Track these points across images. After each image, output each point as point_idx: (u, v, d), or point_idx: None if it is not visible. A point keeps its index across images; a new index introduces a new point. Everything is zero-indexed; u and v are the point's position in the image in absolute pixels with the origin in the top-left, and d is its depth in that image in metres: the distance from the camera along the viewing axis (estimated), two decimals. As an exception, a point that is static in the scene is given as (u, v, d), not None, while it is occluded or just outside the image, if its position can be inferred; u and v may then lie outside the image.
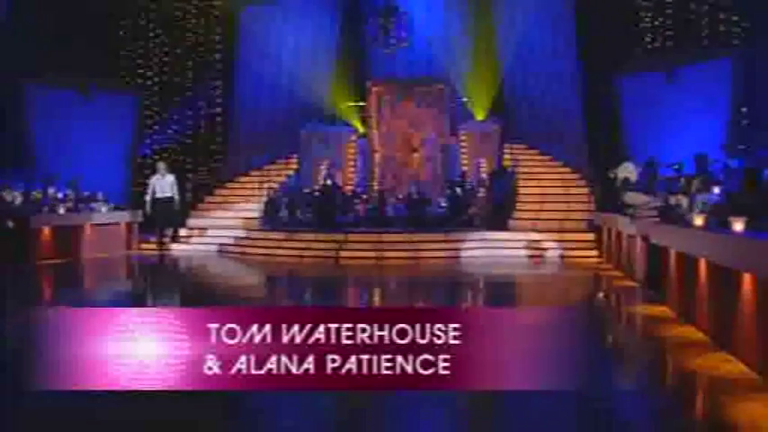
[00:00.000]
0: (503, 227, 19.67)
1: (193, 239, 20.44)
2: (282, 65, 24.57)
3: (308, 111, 24.34)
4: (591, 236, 18.64)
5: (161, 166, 19.31)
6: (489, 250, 18.48)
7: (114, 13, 23.83)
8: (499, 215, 20.25)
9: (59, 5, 21.63)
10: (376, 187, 22.35)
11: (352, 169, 24.06)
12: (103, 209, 19.23)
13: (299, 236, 19.16)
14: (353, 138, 24.18)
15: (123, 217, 19.71)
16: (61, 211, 18.17)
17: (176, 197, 19.07)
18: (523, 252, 18.46)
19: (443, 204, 20.85)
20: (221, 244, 19.87)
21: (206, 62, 25.05)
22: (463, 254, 18.28)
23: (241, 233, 20.17)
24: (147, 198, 18.95)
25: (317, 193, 21.80)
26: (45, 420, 6.28)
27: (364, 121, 24.35)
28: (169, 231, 19.54)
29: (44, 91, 21.33)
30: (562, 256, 18.23)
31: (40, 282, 15.54)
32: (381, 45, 23.08)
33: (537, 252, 18.41)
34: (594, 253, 18.09)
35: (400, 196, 21.76)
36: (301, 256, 18.36)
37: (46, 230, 17.62)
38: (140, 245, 20.18)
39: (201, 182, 23.79)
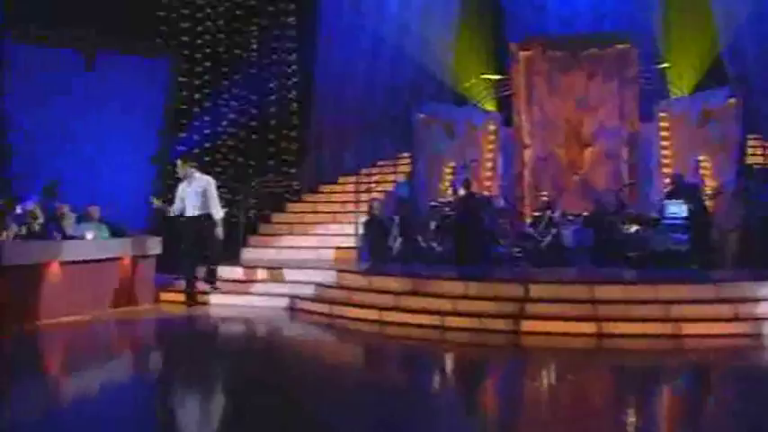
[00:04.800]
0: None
1: (250, 286, 10.49)
2: (384, 26, 14.65)
3: (422, 89, 14.40)
4: None
5: (184, 166, 9.62)
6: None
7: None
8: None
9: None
10: (545, 198, 12.11)
11: (490, 173, 13.95)
12: (89, 234, 9.45)
13: (436, 286, 9.07)
14: (491, 126, 14.10)
15: (125, 248, 9.84)
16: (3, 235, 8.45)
17: (218, 215, 9.27)
18: None
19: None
20: (294, 296, 9.89)
21: (277, 26, 15.24)
22: (766, 327, 7.95)
23: (328, 276, 10.14)
24: (170, 212, 9.35)
25: (447, 210, 11.76)
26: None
27: (506, 103, 14.28)
28: (200, 272, 9.79)
29: (29, 51, 11.78)
30: None
31: None
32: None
33: None
34: None
35: (585, 214, 11.56)
36: (443, 327, 8.30)
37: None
38: (159, 295, 10.36)
39: (268, 193, 13.94)
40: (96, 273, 9.27)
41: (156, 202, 9.69)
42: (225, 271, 10.43)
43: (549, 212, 11.40)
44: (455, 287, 8.89)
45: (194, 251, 9.62)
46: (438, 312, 8.46)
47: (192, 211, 9.47)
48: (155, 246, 10.21)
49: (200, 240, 9.55)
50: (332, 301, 9.35)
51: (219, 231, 9.65)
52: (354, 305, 9.08)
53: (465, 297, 8.65)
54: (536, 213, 11.62)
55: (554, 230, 11.07)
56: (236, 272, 10.72)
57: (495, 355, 7.61)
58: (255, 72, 14.91)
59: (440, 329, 8.27)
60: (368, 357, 7.92)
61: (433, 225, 11.76)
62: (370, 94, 14.53)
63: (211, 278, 9.79)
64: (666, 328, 7.79)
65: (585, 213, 11.50)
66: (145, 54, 12.82)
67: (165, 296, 10.30)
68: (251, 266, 10.93)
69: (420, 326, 8.37)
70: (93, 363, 7.03)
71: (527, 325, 8.03)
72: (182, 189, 9.68)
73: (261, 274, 10.65)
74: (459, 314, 8.39)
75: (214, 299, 10.02)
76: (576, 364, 7.15)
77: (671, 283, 8.43)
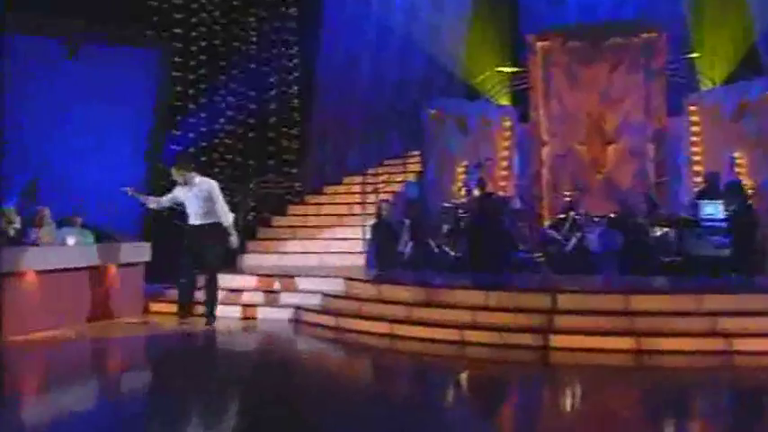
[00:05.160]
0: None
1: (249, 296, 9.75)
2: (391, 15, 13.95)
3: (432, 83, 13.70)
4: None
5: (179, 172, 8.83)
6: None
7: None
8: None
9: None
10: (568, 198, 11.36)
11: (506, 172, 13.24)
12: (70, 240, 8.74)
13: (452, 296, 8.35)
14: (507, 122, 13.37)
15: (111, 255, 9.10)
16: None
17: (227, 221, 8.51)
18: None
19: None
20: (297, 307, 9.18)
21: (277, 17, 14.51)
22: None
23: (333, 285, 9.41)
24: (150, 204, 8.63)
25: (461, 212, 11.05)
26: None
27: (522, 97, 13.56)
28: (195, 284, 9.02)
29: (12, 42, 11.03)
30: None
31: None
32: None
33: None
34: None
35: (612, 215, 10.83)
36: (462, 342, 7.57)
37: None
38: (148, 306, 9.65)
39: (268, 194, 13.23)
40: (78, 282, 8.57)
41: (130, 191, 8.91)
42: (224, 279, 9.65)
43: (572, 214, 10.67)
44: (474, 297, 8.16)
45: (195, 261, 8.79)
46: (455, 326, 7.74)
47: (195, 218, 8.65)
48: (143, 252, 9.50)
49: (201, 252, 8.72)
50: (339, 313, 8.63)
51: (234, 240, 8.81)
52: (363, 317, 8.36)
53: (485, 308, 7.92)
54: (560, 215, 10.86)
55: (579, 233, 10.34)
56: (235, 280, 9.99)
57: (522, 373, 6.89)
58: (254, 66, 14.11)
59: (458, 344, 7.55)
60: (378, 376, 7.19)
61: (445, 228, 11.04)
62: (377, 89, 13.83)
63: (212, 300, 8.90)
64: (714, 344, 7.05)
65: (612, 215, 10.76)
66: (135, 46, 12.07)
67: (155, 307, 9.59)
68: (250, 274, 10.23)
69: (434, 340, 7.65)
70: (73, 383, 6.30)
71: (556, 340, 7.30)
72: (180, 193, 8.84)
73: (262, 282, 9.94)
74: (480, 328, 7.68)
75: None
76: (612, 383, 6.42)
77: (717, 293, 7.68)
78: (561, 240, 10.43)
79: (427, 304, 8.27)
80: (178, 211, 10.64)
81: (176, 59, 13.26)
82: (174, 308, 9.29)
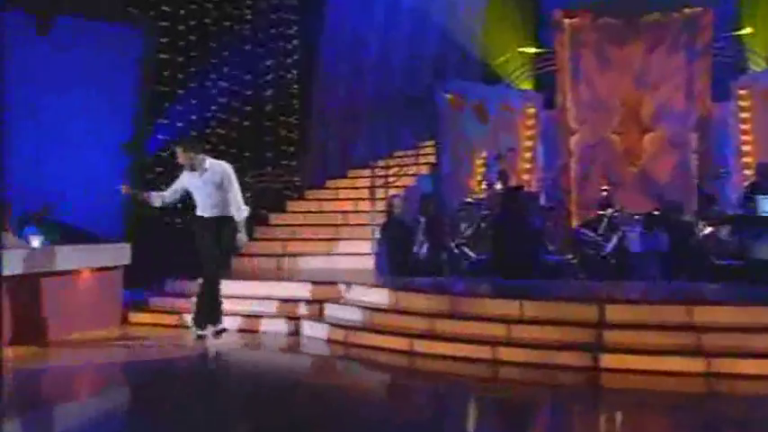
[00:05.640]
0: None
1: (249, 305, 8.70)
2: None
3: (446, 65, 12.75)
4: None
5: (186, 153, 7.74)
6: None
7: None
8: None
9: None
10: (605, 193, 10.29)
11: (530, 164, 12.24)
12: (35, 241, 7.73)
13: (480, 306, 7.35)
14: (530, 109, 12.37)
15: (83, 258, 8.06)
16: None
17: (242, 214, 7.47)
18: None
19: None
20: (298, 318, 8.19)
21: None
22: None
23: (341, 292, 8.42)
24: (154, 201, 7.56)
25: (483, 209, 10.05)
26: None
27: (547, 81, 12.57)
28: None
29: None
30: None
31: None
32: None
33: None
34: None
35: (656, 212, 9.79)
36: (494, 360, 6.58)
37: None
38: (127, 316, 8.65)
39: (265, 189, 12.26)
40: (45, 290, 7.56)
41: (125, 189, 7.86)
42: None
43: (610, 211, 9.67)
44: (506, 307, 7.15)
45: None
46: (486, 341, 6.74)
47: (204, 210, 7.48)
48: (123, 254, 8.48)
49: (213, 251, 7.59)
50: (348, 326, 7.64)
51: (243, 237, 7.71)
52: (376, 332, 7.37)
53: (520, 321, 6.92)
54: (599, 212, 9.82)
55: (619, 233, 9.34)
56: (232, 287, 8.95)
57: (566, 399, 5.90)
58: (249, 48, 13.20)
59: (492, 362, 6.56)
60: (396, 401, 6.18)
61: (464, 227, 10.05)
62: (386, 72, 12.92)
63: (216, 306, 7.78)
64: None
65: (655, 212, 9.74)
66: (116, 23, 11.07)
67: (135, 318, 8.60)
68: (248, 279, 9.24)
69: (464, 360, 6.65)
70: (27, 422, 5.29)
71: (606, 359, 6.29)
72: (186, 180, 7.68)
73: (260, 288, 8.94)
74: (515, 344, 6.67)
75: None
76: (677, 414, 5.42)
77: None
78: (599, 241, 9.42)
79: (450, 316, 7.27)
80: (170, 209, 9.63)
81: (163, 40, 12.34)
82: (158, 318, 8.38)
